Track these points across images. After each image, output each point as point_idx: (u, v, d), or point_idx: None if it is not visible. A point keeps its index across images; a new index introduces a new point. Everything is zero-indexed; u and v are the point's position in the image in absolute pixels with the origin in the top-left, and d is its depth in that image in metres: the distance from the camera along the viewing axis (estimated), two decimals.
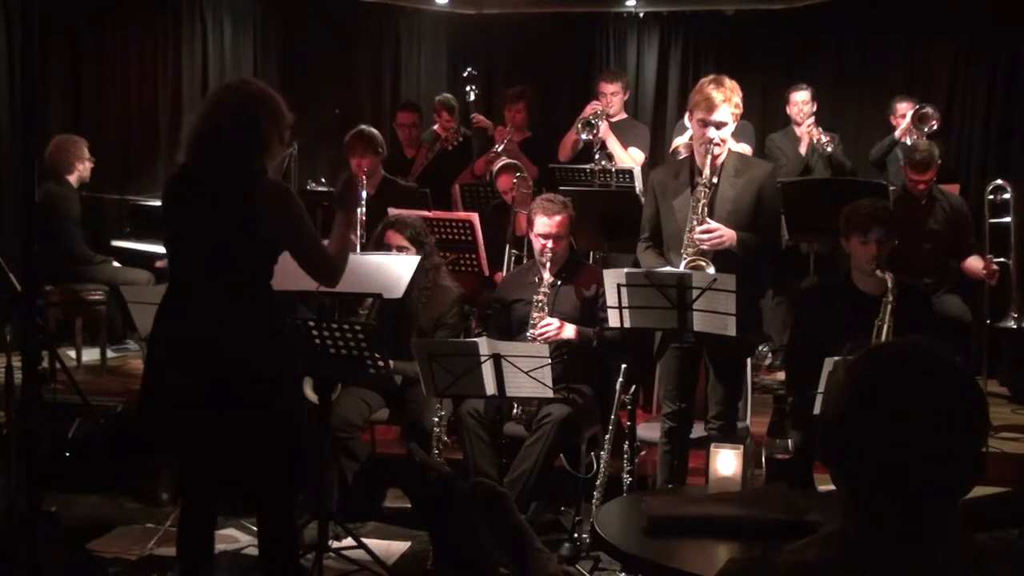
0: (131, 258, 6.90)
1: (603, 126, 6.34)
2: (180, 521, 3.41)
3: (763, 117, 7.90)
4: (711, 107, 4.05)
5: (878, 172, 6.94)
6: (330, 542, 4.14)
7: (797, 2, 8.11)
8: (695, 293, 3.83)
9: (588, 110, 6.43)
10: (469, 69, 7.42)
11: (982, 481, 1.45)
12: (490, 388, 4.07)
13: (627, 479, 4.08)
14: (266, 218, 3.14)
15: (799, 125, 7.12)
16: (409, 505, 4.59)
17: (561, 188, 5.45)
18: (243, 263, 3.19)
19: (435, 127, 7.35)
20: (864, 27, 7.89)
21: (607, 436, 4.18)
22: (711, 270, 3.94)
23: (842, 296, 4.31)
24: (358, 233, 4.93)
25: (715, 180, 4.10)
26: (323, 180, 7.05)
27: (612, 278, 3.97)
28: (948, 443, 1.40)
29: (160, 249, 6.90)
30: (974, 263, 5.70)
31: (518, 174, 6.04)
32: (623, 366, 4.08)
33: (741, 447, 3.22)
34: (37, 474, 3.31)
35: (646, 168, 6.44)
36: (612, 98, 6.75)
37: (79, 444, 4.97)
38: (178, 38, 8.11)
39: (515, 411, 4.48)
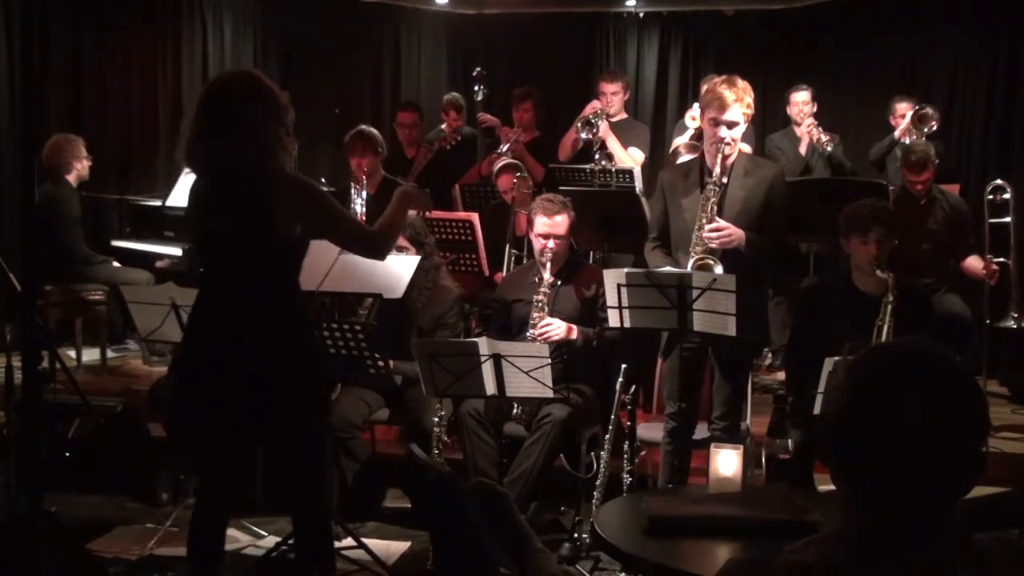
0: (131, 258, 6.91)
1: (603, 126, 6.33)
2: (193, 519, 3.39)
3: (763, 117, 7.86)
4: (723, 106, 4.05)
5: (878, 172, 6.93)
6: None
7: (797, 2, 8.10)
8: (695, 293, 3.84)
9: (588, 110, 6.42)
10: (478, 69, 7.41)
11: (982, 481, 1.45)
12: (490, 388, 4.07)
13: (627, 479, 4.08)
14: (287, 217, 3.13)
15: (799, 125, 7.11)
16: (409, 505, 4.61)
17: (561, 188, 5.44)
18: (269, 265, 3.19)
19: (443, 126, 7.33)
20: (864, 27, 7.88)
21: (607, 436, 4.19)
22: (719, 269, 3.94)
23: (842, 296, 4.31)
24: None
25: (725, 180, 4.11)
26: (323, 180, 7.03)
27: (612, 278, 3.98)
28: (948, 443, 1.40)
29: (160, 249, 6.93)
30: (974, 263, 5.71)
31: (518, 174, 6.05)
32: (623, 366, 4.08)
33: (741, 447, 3.22)
34: (37, 474, 3.31)
35: (646, 168, 6.44)
36: (612, 98, 6.74)
37: (79, 444, 4.96)
38: (178, 38, 8.10)
39: (515, 411, 4.48)
